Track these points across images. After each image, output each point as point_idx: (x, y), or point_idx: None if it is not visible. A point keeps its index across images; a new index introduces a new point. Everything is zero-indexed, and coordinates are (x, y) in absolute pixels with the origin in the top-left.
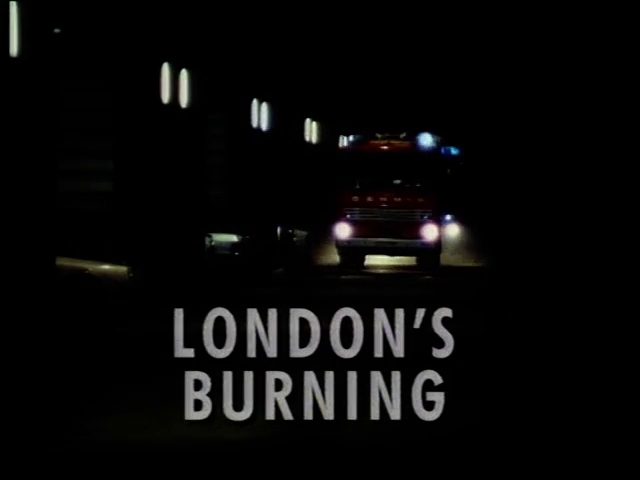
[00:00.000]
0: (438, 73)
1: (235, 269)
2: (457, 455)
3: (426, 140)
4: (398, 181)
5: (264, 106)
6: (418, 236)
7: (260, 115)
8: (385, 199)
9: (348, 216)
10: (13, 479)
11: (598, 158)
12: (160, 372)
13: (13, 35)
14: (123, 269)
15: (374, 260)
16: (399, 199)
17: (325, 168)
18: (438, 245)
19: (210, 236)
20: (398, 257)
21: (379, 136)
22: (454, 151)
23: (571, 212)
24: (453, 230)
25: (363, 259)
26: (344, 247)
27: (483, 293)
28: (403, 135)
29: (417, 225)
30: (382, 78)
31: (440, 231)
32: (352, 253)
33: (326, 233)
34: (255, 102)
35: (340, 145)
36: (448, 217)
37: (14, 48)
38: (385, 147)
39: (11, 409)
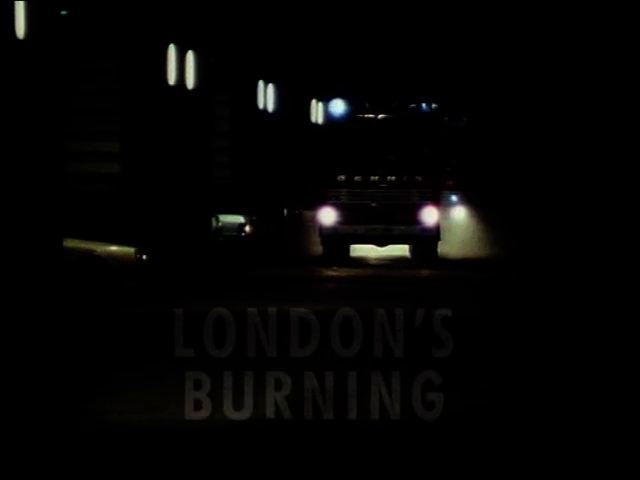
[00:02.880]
0: (440, 42)
1: (242, 250)
2: (457, 455)
3: (418, 108)
4: (391, 156)
5: (270, 87)
6: (416, 221)
7: (266, 96)
8: (377, 178)
9: (333, 199)
10: (25, 458)
11: (608, 132)
12: (166, 355)
13: (20, 18)
14: (130, 250)
15: (361, 252)
16: (393, 177)
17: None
18: (438, 231)
19: (217, 217)
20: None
21: (367, 105)
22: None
23: (585, 195)
24: (460, 213)
25: (349, 250)
26: (329, 235)
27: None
28: (396, 103)
29: (415, 208)
30: (386, 53)
31: (439, 215)
32: (338, 242)
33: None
34: (261, 83)
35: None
36: (454, 198)
37: (21, 31)
38: (375, 117)
39: (20, 392)
